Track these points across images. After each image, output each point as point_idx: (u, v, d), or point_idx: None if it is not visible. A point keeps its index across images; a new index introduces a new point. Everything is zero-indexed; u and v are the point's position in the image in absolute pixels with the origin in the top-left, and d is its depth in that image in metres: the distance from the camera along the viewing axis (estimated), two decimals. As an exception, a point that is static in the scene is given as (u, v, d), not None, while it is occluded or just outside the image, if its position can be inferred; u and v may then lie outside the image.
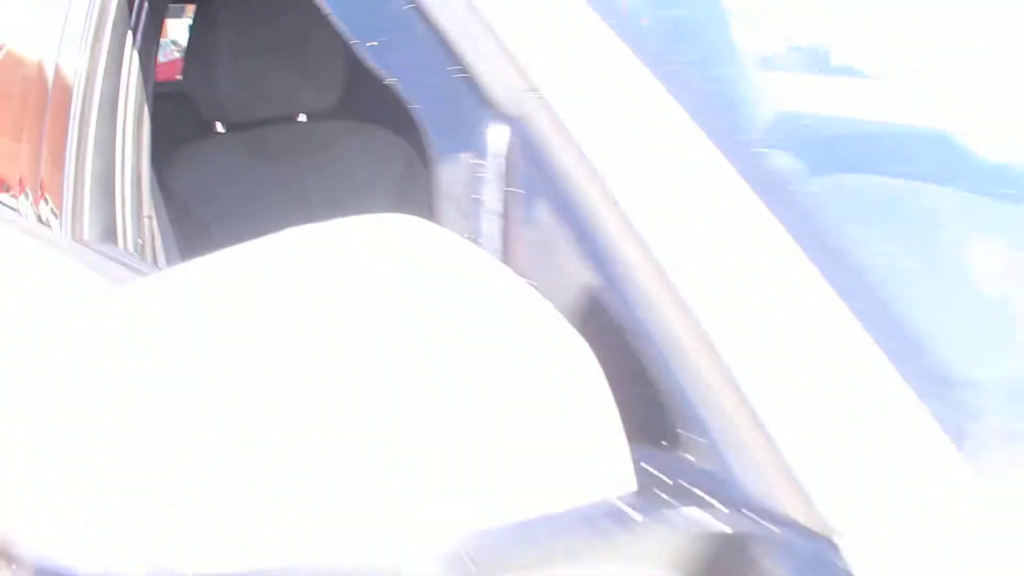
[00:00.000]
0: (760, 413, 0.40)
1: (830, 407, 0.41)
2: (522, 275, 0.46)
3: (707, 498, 0.41)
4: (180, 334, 0.39)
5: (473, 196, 0.53)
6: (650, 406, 0.43)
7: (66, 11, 1.08)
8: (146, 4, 1.04)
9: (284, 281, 0.41)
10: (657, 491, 0.41)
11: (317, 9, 0.68)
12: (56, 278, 0.95)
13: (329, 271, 0.40)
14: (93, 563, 0.36)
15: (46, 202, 1.01)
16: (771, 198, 0.46)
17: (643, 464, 0.41)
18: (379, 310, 0.39)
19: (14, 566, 0.37)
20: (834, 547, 0.38)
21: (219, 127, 1.52)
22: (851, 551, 0.38)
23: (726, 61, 0.68)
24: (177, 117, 1.40)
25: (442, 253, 0.43)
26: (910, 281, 0.51)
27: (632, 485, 0.40)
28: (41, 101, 1.09)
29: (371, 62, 0.62)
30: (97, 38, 1.01)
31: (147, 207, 1.01)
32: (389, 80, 0.60)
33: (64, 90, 1.02)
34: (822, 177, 0.60)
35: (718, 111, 0.56)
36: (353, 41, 0.63)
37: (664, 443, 0.43)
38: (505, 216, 0.52)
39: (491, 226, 0.51)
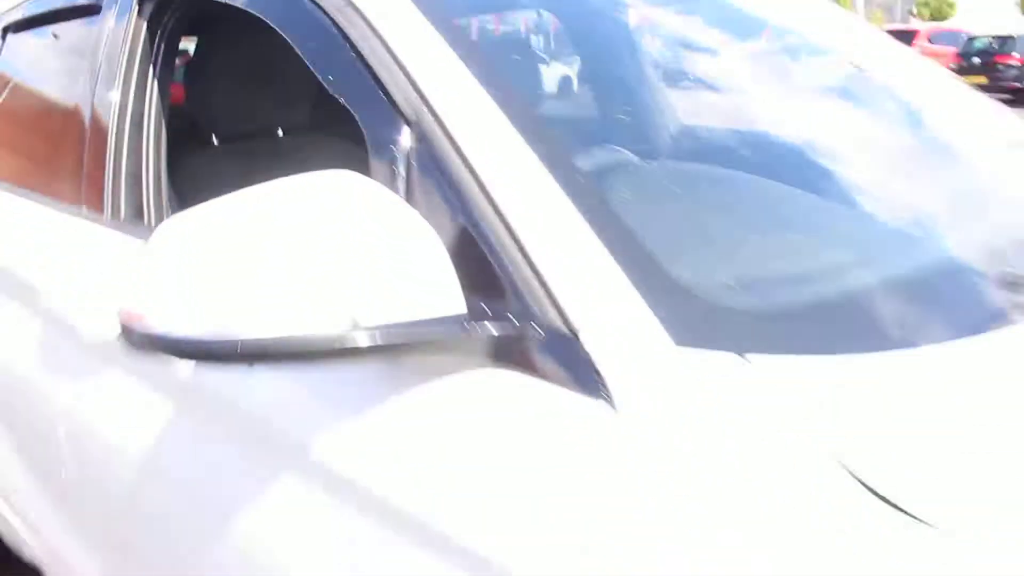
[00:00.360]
0: (538, 269, 0.77)
1: (574, 272, 0.77)
2: (413, 207, 0.82)
3: (508, 316, 0.77)
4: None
5: (392, 167, 0.89)
6: (478, 268, 0.79)
7: (99, 56, 1.43)
8: (163, 45, 1.40)
9: (270, 201, 0.77)
10: (480, 313, 0.77)
11: (289, 46, 1.04)
12: (105, 245, 1.30)
13: (302, 194, 0.76)
14: (180, 328, 0.71)
15: (92, 196, 1.36)
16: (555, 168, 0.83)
17: (472, 298, 0.77)
18: (330, 216, 0.75)
19: (133, 336, 0.73)
20: (578, 342, 0.74)
21: (214, 140, 1.87)
22: (589, 344, 0.74)
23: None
24: (183, 132, 1.75)
25: (369, 193, 0.78)
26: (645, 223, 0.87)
27: (463, 309, 0.76)
28: (82, 126, 1.44)
29: (329, 87, 0.97)
30: (127, 74, 1.36)
31: (166, 196, 1.36)
32: (342, 100, 0.96)
33: (104, 113, 1.37)
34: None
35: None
36: (317, 70, 0.99)
37: (486, 289, 0.79)
38: (407, 179, 0.88)
39: (399, 183, 0.87)
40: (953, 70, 14.23)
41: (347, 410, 0.84)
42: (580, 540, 0.68)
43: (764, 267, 0.91)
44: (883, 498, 0.61)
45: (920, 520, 0.60)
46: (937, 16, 39.81)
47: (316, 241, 0.73)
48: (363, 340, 0.71)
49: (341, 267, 0.72)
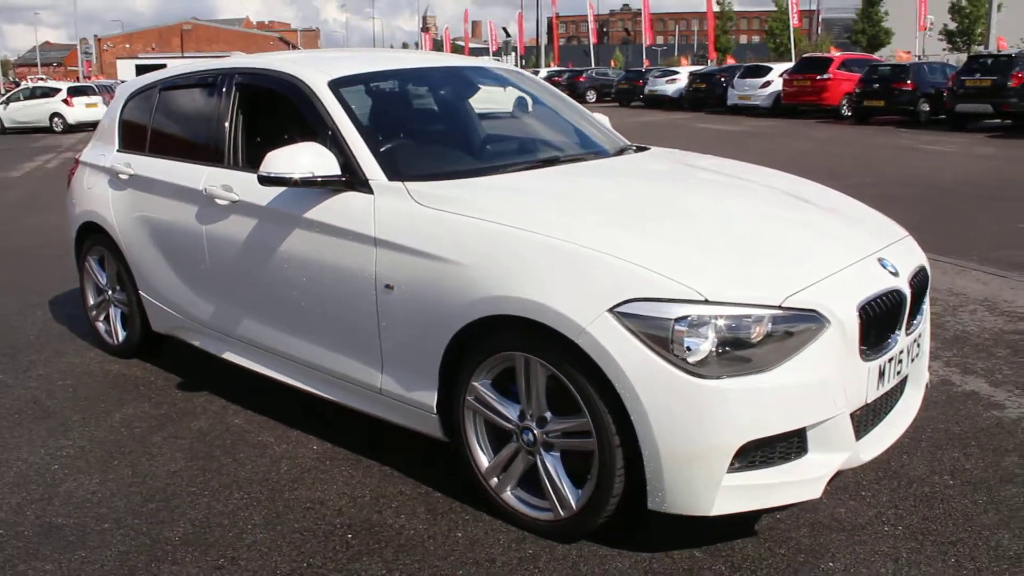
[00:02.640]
0: (351, 152, 3.11)
1: (362, 154, 3.11)
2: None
3: (343, 175, 3.09)
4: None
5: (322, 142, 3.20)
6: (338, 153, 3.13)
7: (214, 101, 3.74)
8: (238, 98, 3.70)
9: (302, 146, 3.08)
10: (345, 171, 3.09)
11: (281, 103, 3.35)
12: (224, 171, 3.60)
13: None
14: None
15: (216, 156, 3.67)
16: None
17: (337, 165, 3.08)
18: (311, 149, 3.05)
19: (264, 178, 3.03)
20: (368, 182, 3.06)
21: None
22: (367, 177, 3.06)
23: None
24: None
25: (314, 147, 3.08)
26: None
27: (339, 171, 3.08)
28: (208, 129, 3.75)
29: (297, 115, 3.28)
30: (226, 112, 3.67)
31: (243, 159, 3.65)
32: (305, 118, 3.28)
33: (217, 128, 3.68)
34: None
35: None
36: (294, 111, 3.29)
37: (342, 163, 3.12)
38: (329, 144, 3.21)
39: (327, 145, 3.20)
40: (856, 94, 16.95)
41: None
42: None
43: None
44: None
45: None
46: (874, 43, 42.86)
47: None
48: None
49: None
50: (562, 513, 2.60)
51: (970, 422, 3.46)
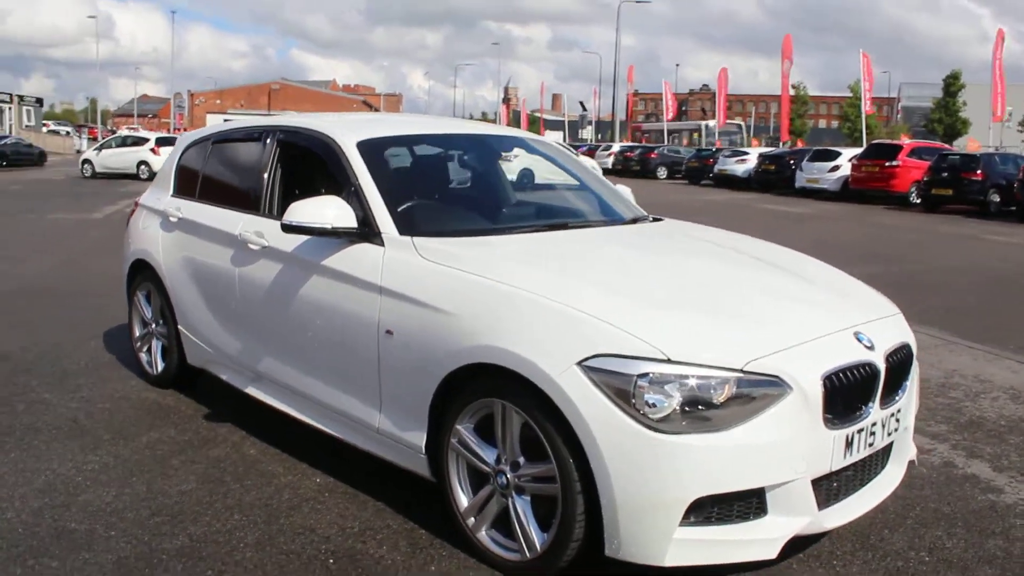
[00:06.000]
0: (369, 207, 3.37)
1: (377, 207, 3.36)
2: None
3: (361, 228, 3.34)
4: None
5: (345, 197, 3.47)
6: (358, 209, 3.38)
7: (263, 154, 4.06)
8: (279, 152, 4.02)
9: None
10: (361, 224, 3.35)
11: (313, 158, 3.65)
12: (259, 219, 3.89)
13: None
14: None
15: (255, 204, 3.98)
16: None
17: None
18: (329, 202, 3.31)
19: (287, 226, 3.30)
20: (379, 235, 3.30)
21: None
22: (379, 232, 3.31)
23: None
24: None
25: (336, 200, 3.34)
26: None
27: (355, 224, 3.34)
28: (254, 179, 4.06)
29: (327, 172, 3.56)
30: (270, 163, 3.98)
31: (277, 207, 3.95)
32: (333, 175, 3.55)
33: (261, 177, 4.00)
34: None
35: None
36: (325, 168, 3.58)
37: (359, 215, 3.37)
38: (350, 199, 3.47)
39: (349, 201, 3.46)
40: (924, 182, 16.88)
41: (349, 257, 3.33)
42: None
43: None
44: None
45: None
46: (951, 132, 42.38)
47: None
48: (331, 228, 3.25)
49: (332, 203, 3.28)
50: (528, 555, 2.72)
51: (963, 503, 3.46)
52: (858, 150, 24.92)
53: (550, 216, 4.03)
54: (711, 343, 2.54)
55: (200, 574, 2.78)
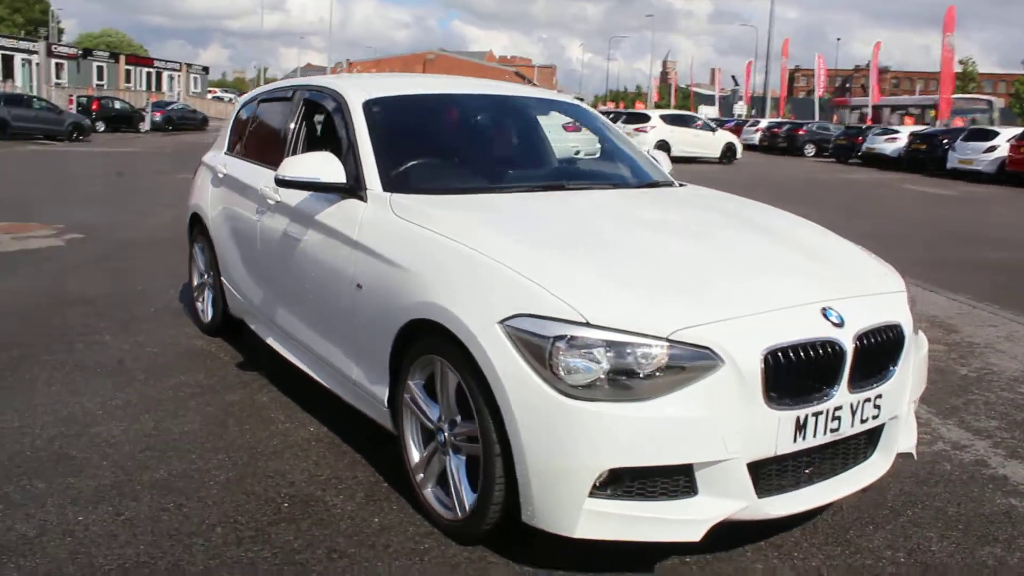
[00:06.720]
0: (360, 163, 3.41)
1: (367, 162, 3.40)
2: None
3: (350, 184, 3.38)
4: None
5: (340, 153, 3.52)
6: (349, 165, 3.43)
7: (291, 110, 4.18)
8: (304, 110, 4.13)
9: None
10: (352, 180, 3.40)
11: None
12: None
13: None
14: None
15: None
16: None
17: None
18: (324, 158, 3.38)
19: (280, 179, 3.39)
20: (362, 190, 3.34)
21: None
22: (364, 189, 3.34)
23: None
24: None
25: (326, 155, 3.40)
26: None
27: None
28: (284, 136, 4.18)
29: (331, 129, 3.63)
30: (296, 120, 4.10)
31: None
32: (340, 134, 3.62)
33: (290, 133, 4.11)
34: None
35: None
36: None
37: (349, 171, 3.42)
38: (346, 155, 3.52)
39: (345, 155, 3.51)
40: None
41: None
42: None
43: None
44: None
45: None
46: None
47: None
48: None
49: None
50: (459, 515, 2.70)
51: (974, 506, 3.16)
52: (1018, 130, 22.84)
53: (547, 176, 3.93)
54: (641, 310, 2.41)
55: (162, 505, 2.94)
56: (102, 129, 32.59)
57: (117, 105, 35.39)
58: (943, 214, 14.51)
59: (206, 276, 5.08)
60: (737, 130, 40.02)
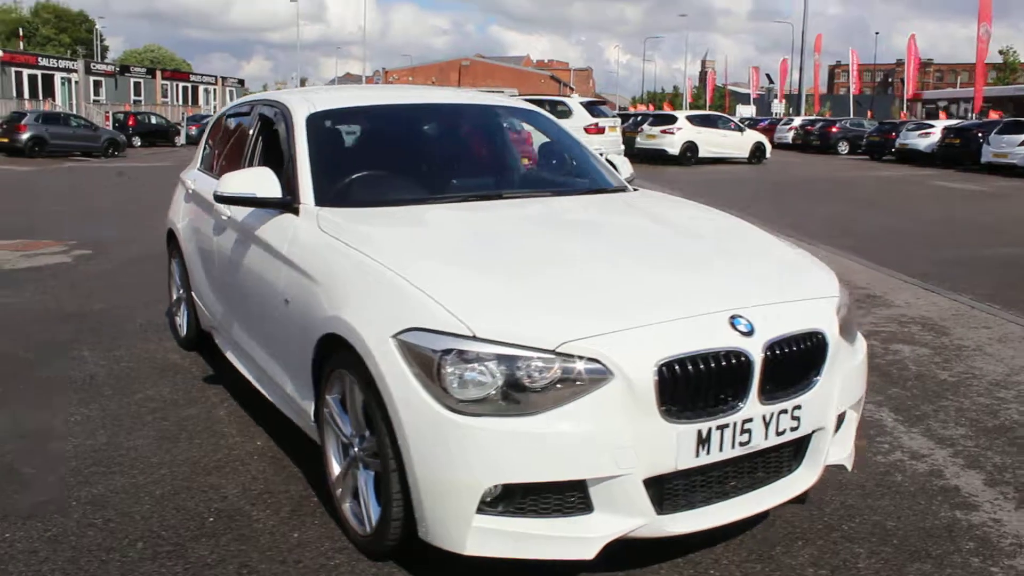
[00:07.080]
0: (297, 177, 3.43)
1: (302, 176, 3.42)
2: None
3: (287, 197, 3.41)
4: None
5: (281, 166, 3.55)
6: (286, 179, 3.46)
7: (251, 125, 4.23)
8: (260, 126, 4.17)
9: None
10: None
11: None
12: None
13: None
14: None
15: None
16: None
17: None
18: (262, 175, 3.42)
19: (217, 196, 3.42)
20: (298, 205, 3.36)
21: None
22: (298, 206, 3.36)
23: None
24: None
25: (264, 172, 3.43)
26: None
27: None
28: (243, 148, 4.23)
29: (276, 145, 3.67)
30: (253, 133, 4.14)
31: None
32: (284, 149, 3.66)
33: (247, 144, 4.16)
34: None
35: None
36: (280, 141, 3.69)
37: (287, 185, 3.44)
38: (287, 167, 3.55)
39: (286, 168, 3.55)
40: None
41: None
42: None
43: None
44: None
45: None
46: None
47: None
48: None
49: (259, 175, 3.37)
50: (367, 530, 2.71)
51: (916, 519, 3.07)
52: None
53: (496, 187, 3.91)
54: (528, 322, 2.39)
55: (90, 521, 2.99)
56: (138, 144, 33.32)
57: (153, 120, 36.21)
58: (966, 210, 14.16)
59: (181, 291, 5.16)
60: (771, 129, 39.57)
